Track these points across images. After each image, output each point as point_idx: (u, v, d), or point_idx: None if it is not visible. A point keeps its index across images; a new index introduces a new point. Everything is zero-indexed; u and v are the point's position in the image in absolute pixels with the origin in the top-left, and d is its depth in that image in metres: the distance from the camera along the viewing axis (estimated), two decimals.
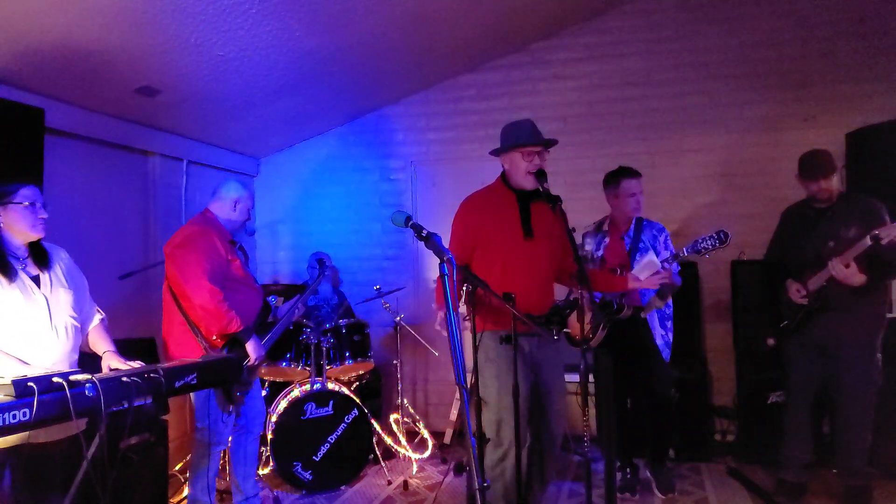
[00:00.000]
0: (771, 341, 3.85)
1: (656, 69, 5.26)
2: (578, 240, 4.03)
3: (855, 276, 3.38)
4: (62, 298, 2.53)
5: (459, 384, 1.74)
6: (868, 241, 3.28)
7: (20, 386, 1.97)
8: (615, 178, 3.97)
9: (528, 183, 3.02)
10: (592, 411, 4.36)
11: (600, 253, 3.99)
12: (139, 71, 3.79)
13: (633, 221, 3.98)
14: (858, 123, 4.62)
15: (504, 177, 3.18)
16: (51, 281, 2.52)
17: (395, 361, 4.97)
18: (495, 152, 3.19)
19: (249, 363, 3.36)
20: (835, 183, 3.61)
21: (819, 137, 4.79)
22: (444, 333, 2.62)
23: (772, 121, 5.05)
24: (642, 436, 4.04)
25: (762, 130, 5.05)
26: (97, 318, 2.77)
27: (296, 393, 4.34)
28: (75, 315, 2.57)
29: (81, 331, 2.64)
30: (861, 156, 4.48)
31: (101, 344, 2.71)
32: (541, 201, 3.05)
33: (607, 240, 4.00)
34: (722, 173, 5.13)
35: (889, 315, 4.35)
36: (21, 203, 2.41)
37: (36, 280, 2.48)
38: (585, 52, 5.39)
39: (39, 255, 2.52)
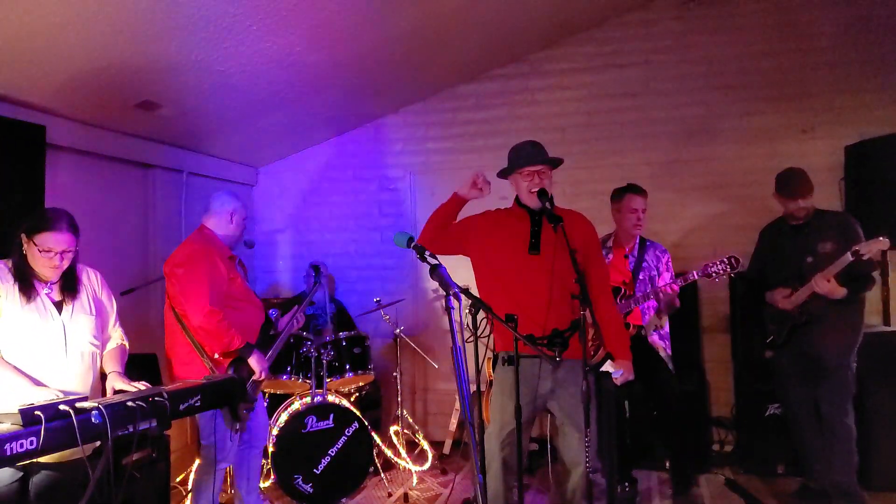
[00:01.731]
0: (769, 354, 3.88)
1: (655, 80, 5.27)
2: None
3: (837, 291, 3.49)
4: (82, 325, 2.58)
5: (468, 422, 1.74)
6: (849, 256, 3.38)
7: (27, 415, 1.99)
8: (620, 193, 4.02)
9: (532, 202, 3.05)
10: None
11: None
12: (140, 87, 3.79)
13: (637, 240, 4.00)
14: (858, 136, 4.63)
15: (518, 196, 3.24)
16: (73, 308, 2.57)
17: (394, 373, 4.98)
18: (502, 175, 3.25)
19: (255, 378, 3.36)
20: (811, 200, 3.68)
21: (818, 149, 4.84)
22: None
23: (770, 132, 5.05)
24: (642, 448, 4.06)
25: (761, 142, 5.06)
26: (115, 342, 2.80)
27: (296, 406, 4.34)
28: (96, 342, 2.63)
29: (101, 355, 2.69)
30: (860, 168, 4.49)
31: (109, 364, 2.73)
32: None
33: (611, 256, 4.02)
34: (720, 184, 5.13)
35: (887, 329, 4.39)
36: (37, 246, 2.45)
37: (58, 305, 2.54)
38: (584, 63, 5.40)
39: (69, 282, 2.58)
